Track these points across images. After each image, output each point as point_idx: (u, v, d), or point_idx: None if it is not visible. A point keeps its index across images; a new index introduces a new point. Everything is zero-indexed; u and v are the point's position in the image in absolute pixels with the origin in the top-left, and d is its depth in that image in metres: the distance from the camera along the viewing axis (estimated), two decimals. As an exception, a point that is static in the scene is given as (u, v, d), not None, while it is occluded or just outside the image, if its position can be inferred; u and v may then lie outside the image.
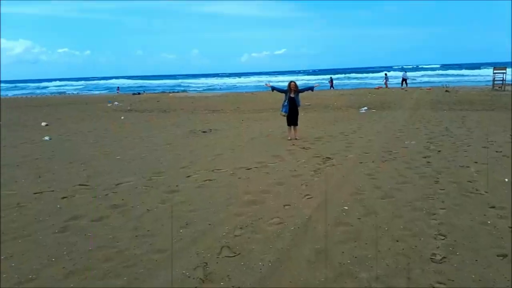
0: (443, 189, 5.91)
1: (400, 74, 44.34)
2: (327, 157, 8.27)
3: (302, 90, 10.98)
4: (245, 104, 26.08)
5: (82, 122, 18.08)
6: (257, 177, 6.83)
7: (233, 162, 8.07)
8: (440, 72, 71.74)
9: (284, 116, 10.71)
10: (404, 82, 39.39)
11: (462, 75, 63.29)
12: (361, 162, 7.76)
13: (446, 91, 29.44)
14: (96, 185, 6.69)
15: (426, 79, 59.78)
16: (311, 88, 11.34)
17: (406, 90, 33.20)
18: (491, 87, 30.86)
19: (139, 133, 13.12)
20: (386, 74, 43.06)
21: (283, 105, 10.65)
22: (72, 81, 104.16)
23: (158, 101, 31.07)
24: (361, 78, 67.89)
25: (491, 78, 51.77)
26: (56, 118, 19.82)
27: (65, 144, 11.52)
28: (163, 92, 43.51)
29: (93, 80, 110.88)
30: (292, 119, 10.67)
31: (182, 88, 55.80)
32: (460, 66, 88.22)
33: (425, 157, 8.06)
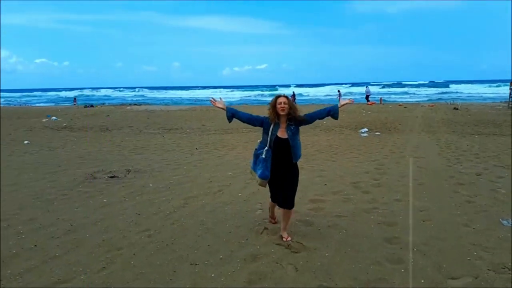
0: None
1: (363, 90, 39.26)
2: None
3: (311, 119, 4.37)
4: (212, 121, 20.89)
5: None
6: None
7: None
8: (431, 90, 67.50)
9: (260, 184, 4.34)
10: (367, 98, 34.52)
11: (457, 92, 59.08)
12: None
13: (455, 108, 24.72)
14: None
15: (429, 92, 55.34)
16: (332, 113, 4.40)
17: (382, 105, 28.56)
18: (506, 104, 26.31)
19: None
20: (339, 91, 38.19)
21: (255, 156, 4.36)
22: (46, 91, 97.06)
23: (107, 116, 25.43)
24: (345, 93, 63.08)
25: (487, 96, 48.61)
26: None
27: None
28: (122, 104, 37.60)
29: (66, 91, 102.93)
30: (281, 191, 4.28)
31: (149, 101, 49.83)
32: (445, 83, 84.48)
33: None
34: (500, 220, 4.75)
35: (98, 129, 18.27)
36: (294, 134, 4.19)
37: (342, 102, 4.52)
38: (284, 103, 4.11)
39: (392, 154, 9.97)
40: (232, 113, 4.39)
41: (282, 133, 4.15)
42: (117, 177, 7.49)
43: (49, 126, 19.88)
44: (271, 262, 3.68)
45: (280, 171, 4.21)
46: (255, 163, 4.32)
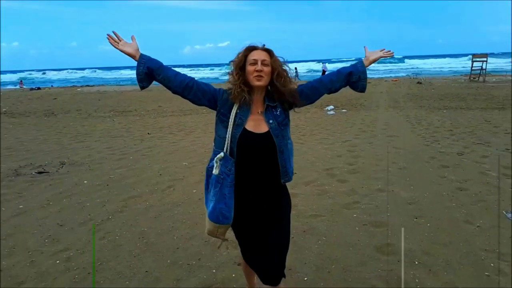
0: None
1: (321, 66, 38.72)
2: None
3: (316, 92, 2.18)
4: (171, 102, 19.47)
5: None
6: None
7: None
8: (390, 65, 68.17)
9: (210, 232, 2.12)
10: (323, 74, 34.12)
11: (417, 68, 59.61)
12: None
13: (419, 82, 24.49)
14: None
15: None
16: (354, 77, 2.20)
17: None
18: (467, 77, 26.43)
19: None
20: (296, 68, 37.48)
21: (206, 176, 2.07)
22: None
23: (55, 99, 23.38)
24: (305, 70, 61.97)
25: (449, 69, 49.30)
26: None
27: None
28: (73, 86, 35.04)
29: (12, 73, 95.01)
30: (263, 248, 2.09)
31: (102, 82, 47.00)
32: (402, 59, 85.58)
33: None
34: (504, 213, 3.99)
35: (41, 113, 16.48)
36: (282, 125, 2.02)
37: (375, 54, 2.27)
38: (263, 62, 1.96)
39: (363, 133, 9.21)
40: (149, 68, 2.04)
41: (256, 124, 2.00)
42: (47, 172, 6.21)
43: (-16, 112, 17.81)
44: (230, 296, 2.70)
45: (257, 207, 2.08)
46: (207, 188, 2.10)
